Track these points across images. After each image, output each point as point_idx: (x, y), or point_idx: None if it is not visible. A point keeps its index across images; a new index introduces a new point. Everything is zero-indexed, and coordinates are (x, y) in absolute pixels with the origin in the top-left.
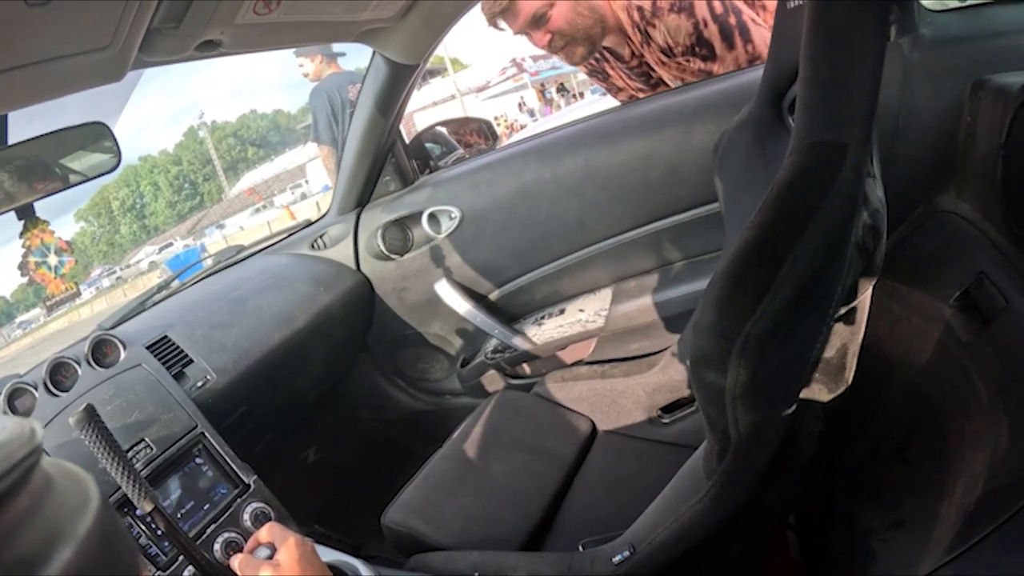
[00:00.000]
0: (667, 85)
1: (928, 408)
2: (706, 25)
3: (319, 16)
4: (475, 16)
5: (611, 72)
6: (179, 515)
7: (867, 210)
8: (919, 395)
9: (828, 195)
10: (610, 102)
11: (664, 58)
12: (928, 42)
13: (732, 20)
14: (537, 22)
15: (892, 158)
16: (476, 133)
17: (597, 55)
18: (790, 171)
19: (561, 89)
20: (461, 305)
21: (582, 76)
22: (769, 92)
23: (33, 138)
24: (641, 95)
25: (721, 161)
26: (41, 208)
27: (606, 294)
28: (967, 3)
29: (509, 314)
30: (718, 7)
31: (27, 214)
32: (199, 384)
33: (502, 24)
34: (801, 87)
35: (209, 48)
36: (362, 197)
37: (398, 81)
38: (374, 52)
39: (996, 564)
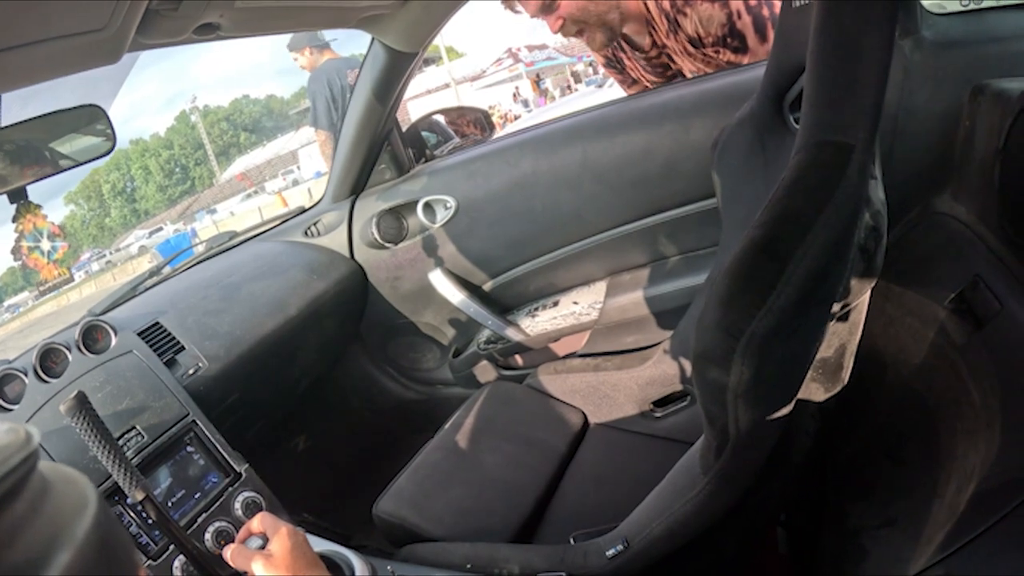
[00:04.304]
0: (685, 78)
1: (921, 408)
2: (740, 16)
3: (318, 1)
4: (473, 5)
5: (628, 62)
6: (170, 504)
7: (869, 211)
8: (912, 395)
9: (834, 195)
10: (604, 95)
11: (691, 48)
12: (929, 44)
13: (765, 12)
14: (547, 8)
15: (890, 159)
16: (473, 123)
17: (615, 43)
18: (796, 170)
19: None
20: (455, 295)
21: (578, 67)
22: (771, 89)
23: (27, 120)
24: None
25: (720, 157)
26: (32, 191)
27: (600, 287)
28: (969, 7)
29: (503, 305)
30: (752, 0)
31: (19, 198)
32: (191, 371)
33: (519, 7)
34: (808, 86)
35: (208, 31)
36: (357, 185)
37: (396, 69)
38: (373, 39)
39: (987, 564)
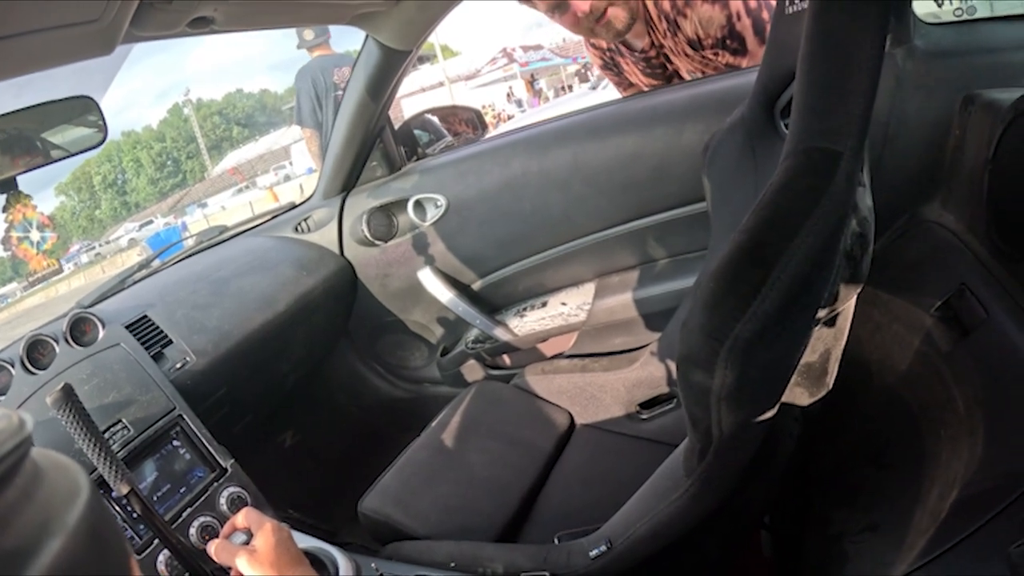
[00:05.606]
0: (682, 78)
1: (905, 415)
2: (739, 18)
3: None
4: (468, 4)
5: (625, 66)
6: (155, 498)
7: (856, 218)
8: (897, 402)
9: (820, 202)
10: (598, 97)
11: (689, 50)
12: (922, 54)
13: (765, 15)
14: (560, 7)
15: (879, 166)
16: (465, 122)
17: (612, 47)
18: (784, 176)
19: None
20: (443, 294)
21: (572, 68)
22: (762, 95)
23: (18, 110)
24: None
25: (710, 161)
26: (22, 181)
27: (589, 288)
28: (962, 17)
29: (491, 305)
30: (752, 2)
31: (9, 188)
32: (178, 365)
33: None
34: (798, 92)
35: (201, 25)
36: (348, 181)
37: (390, 66)
38: (367, 36)
39: (968, 571)
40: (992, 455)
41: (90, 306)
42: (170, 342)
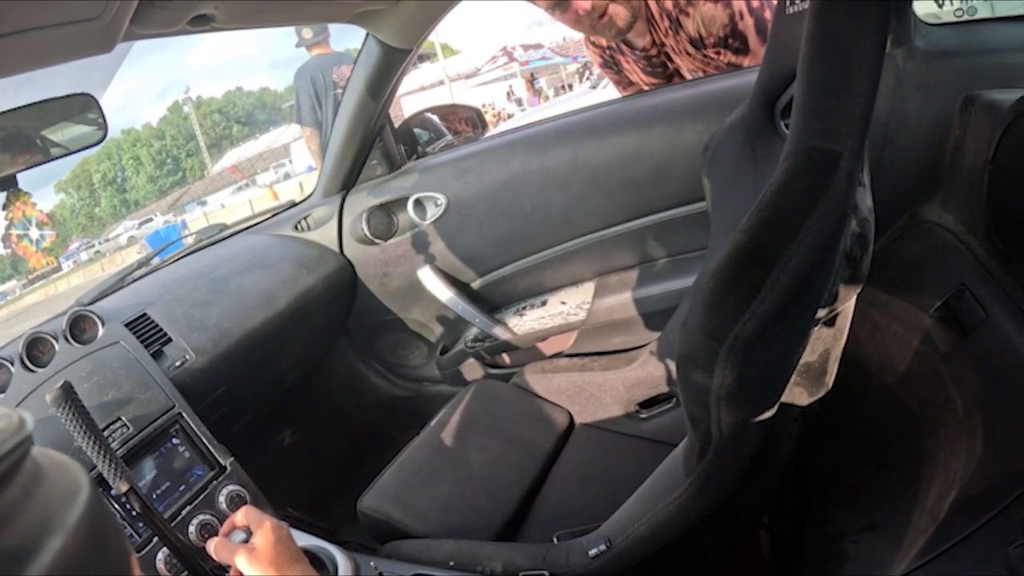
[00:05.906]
0: (682, 77)
1: (905, 415)
2: (742, 17)
3: None
4: (468, 3)
5: (625, 65)
6: (154, 496)
7: (856, 218)
8: (896, 402)
9: (820, 202)
10: (599, 96)
11: (691, 49)
12: (922, 54)
13: (767, 14)
14: (560, 4)
15: (879, 167)
16: (465, 121)
17: (612, 44)
18: (784, 176)
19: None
20: (443, 292)
21: (572, 67)
22: (763, 95)
23: (18, 107)
24: None
25: (710, 161)
26: (22, 179)
27: (588, 288)
28: (963, 18)
29: (491, 303)
30: (755, 1)
31: (9, 186)
32: (178, 363)
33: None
34: (798, 92)
35: (202, 22)
36: (348, 180)
37: (390, 65)
38: (367, 34)
39: (967, 571)
40: (991, 455)
41: (89, 304)
42: (169, 340)
